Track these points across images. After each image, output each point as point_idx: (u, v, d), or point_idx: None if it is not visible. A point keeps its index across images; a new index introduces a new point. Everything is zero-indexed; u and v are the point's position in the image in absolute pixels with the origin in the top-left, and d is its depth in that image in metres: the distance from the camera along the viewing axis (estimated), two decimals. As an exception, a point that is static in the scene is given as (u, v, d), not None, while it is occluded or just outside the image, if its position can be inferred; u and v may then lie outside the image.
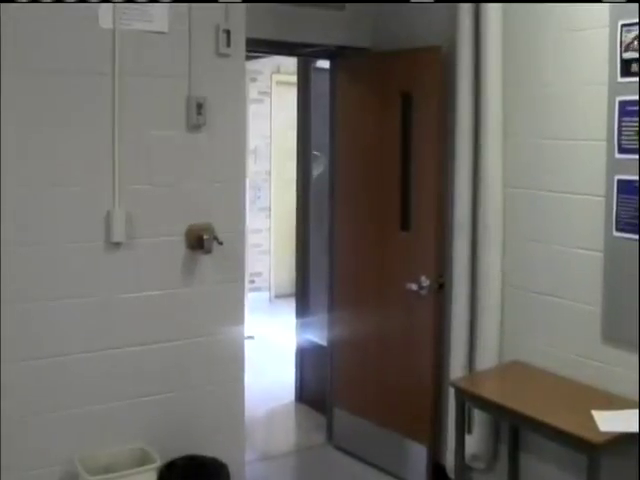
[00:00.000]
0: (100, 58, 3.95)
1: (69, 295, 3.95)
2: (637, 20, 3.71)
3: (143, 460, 4.02)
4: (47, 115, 3.84)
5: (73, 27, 3.86)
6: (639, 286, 3.72)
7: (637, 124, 3.74)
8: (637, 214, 3.77)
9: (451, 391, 4.46)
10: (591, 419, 3.59)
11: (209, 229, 4.27)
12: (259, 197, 9.74)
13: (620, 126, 3.82)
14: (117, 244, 4.05)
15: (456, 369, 4.70)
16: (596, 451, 3.44)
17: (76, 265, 3.96)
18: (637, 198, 3.76)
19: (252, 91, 9.92)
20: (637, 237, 3.78)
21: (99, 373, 4.06)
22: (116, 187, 4.02)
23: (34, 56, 3.77)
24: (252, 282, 9.87)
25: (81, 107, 3.92)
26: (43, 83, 3.81)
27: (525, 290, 4.43)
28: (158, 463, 3.97)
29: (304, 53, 5.78)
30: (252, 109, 9.81)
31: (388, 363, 5.24)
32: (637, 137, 3.74)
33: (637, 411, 3.67)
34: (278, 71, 10.07)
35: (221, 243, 4.27)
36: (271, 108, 10.17)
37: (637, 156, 3.75)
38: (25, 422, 3.87)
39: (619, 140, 3.83)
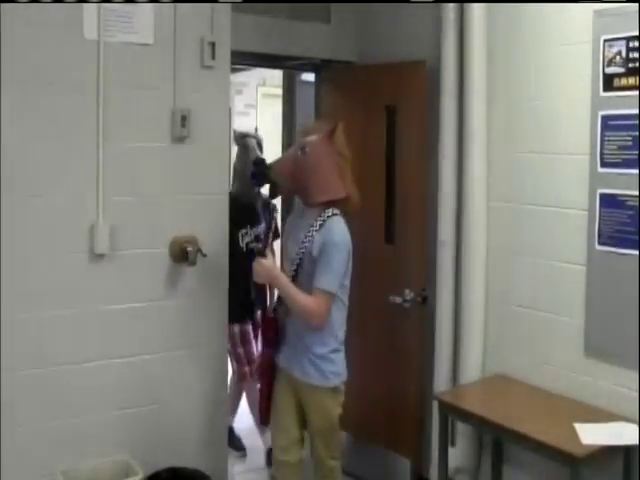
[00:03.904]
0: (85, 69, 3.94)
1: (52, 307, 3.93)
2: (619, 35, 3.73)
3: (126, 472, 4.00)
4: (31, 126, 3.83)
5: (57, 38, 3.86)
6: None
7: (619, 138, 3.77)
8: (620, 228, 3.79)
9: (435, 404, 4.46)
10: (573, 432, 3.60)
11: (193, 241, 4.27)
12: None
13: (602, 140, 3.84)
14: (101, 256, 4.04)
15: (440, 382, 4.70)
16: (578, 464, 3.45)
17: (59, 277, 3.95)
18: (619, 212, 3.78)
19: (238, 103, 9.95)
20: (619, 251, 3.80)
21: (82, 385, 4.04)
22: (100, 199, 4.01)
23: (17, 67, 3.76)
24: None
25: (65, 118, 3.92)
26: (27, 94, 3.80)
27: (508, 304, 4.44)
28: (141, 475, 3.95)
29: (289, 66, 5.80)
30: (238, 121, 9.82)
31: (372, 376, 5.22)
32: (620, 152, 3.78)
33: (619, 424, 3.69)
34: (264, 84, 10.09)
35: (205, 255, 4.27)
36: (257, 120, 10.19)
37: (619, 170, 3.78)
38: (7, 434, 3.85)
39: (602, 154, 3.85)
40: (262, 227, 5.58)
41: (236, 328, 5.48)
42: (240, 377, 5.64)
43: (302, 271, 3.80)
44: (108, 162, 4.03)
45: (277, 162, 4.04)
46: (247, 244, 5.45)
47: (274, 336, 3.97)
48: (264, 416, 4.10)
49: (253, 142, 5.75)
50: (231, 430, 5.77)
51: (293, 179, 3.86)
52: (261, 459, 5.69)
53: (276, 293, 3.95)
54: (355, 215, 3.98)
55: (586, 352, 4.01)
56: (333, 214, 3.84)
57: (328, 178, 3.83)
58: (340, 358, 3.89)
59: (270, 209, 5.76)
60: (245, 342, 5.58)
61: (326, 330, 3.80)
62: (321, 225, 3.78)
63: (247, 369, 5.60)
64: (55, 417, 3.98)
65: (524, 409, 4.00)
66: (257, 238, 5.49)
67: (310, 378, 3.81)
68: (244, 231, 5.48)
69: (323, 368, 3.80)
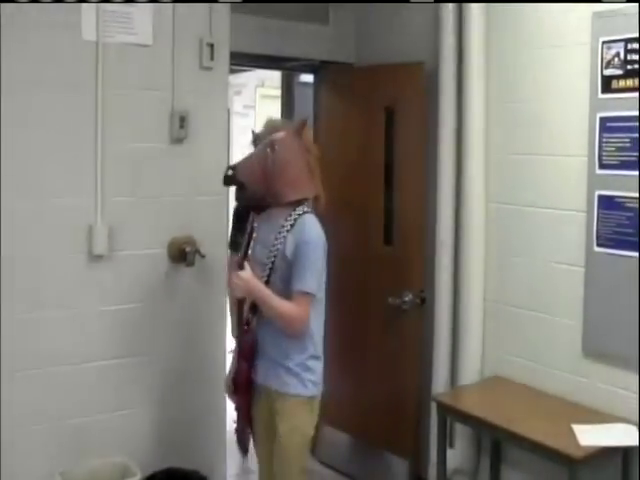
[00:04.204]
0: (83, 70, 3.94)
1: (50, 307, 3.93)
2: (618, 37, 3.74)
3: (124, 473, 4.00)
4: (30, 127, 3.83)
5: (55, 39, 3.86)
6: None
7: (618, 140, 3.77)
8: (618, 229, 3.79)
9: (433, 405, 4.46)
10: (571, 433, 3.60)
11: (191, 242, 4.27)
12: None
13: (601, 142, 3.84)
14: (99, 257, 4.04)
15: (438, 384, 4.70)
16: (576, 465, 3.45)
17: (58, 277, 3.95)
18: (617, 213, 3.78)
19: (237, 104, 9.93)
20: (618, 252, 3.80)
21: (79, 386, 4.04)
22: (98, 199, 4.02)
23: (17, 68, 3.76)
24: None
25: (64, 119, 3.92)
26: (25, 95, 3.80)
27: (507, 305, 4.44)
28: (139, 476, 3.96)
29: (288, 67, 5.79)
30: (237, 122, 9.81)
31: (370, 377, 5.23)
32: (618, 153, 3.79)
33: (617, 425, 3.69)
34: (263, 85, 10.07)
35: (203, 256, 4.27)
36: (256, 121, 10.17)
37: (618, 172, 3.78)
38: (6, 435, 3.84)
39: (600, 156, 3.85)
40: None
41: None
42: None
43: (275, 275, 3.54)
44: (107, 163, 4.03)
45: (243, 162, 3.69)
46: None
47: (251, 349, 3.65)
48: (244, 443, 3.77)
49: None
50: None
51: (263, 177, 3.54)
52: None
53: (247, 304, 3.62)
54: (324, 216, 3.72)
55: (584, 353, 4.01)
56: (304, 212, 3.57)
57: (299, 176, 3.58)
58: (319, 367, 3.62)
59: None
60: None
61: (304, 335, 3.54)
62: (292, 225, 3.52)
63: None
64: (53, 418, 3.98)
65: (522, 410, 4.00)
66: None
67: (286, 387, 3.53)
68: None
69: (302, 376, 3.53)
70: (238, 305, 3.63)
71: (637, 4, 3.61)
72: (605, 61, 3.80)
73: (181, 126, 4.20)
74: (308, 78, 6.07)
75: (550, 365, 4.19)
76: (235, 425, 3.72)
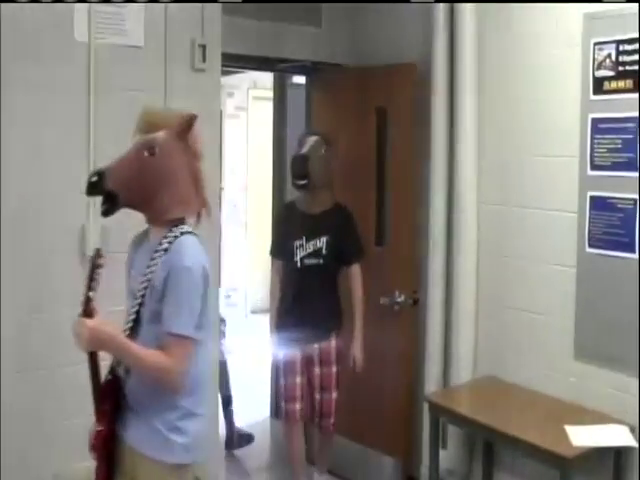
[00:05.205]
0: (75, 71, 3.93)
1: (42, 309, 3.92)
2: (610, 38, 3.75)
3: (116, 475, 3.99)
4: (22, 127, 3.82)
5: (47, 39, 3.85)
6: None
7: (609, 141, 3.78)
8: (609, 230, 3.80)
9: (425, 406, 4.46)
10: (564, 434, 3.61)
11: (184, 243, 4.24)
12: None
13: (592, 143, 3.86)
14: (92, 257, 4.03)
15: (430, 384, 4.71)
16: (569, 466, 3.46)
17: (50, 278, 3.93)
18: (609, 214, 3.80)
19: (229, 106, 9.90)
20: (609, 253, 3.81)
21: (73, 387, 4.02)
22: (91, 200, 4.00)
23: (8, 68, 3.75)
24: (228, 297, 9.81)
25: (56, 120, 3.91)
26: (17, 96, 3.79)
27: (499, 306, 4.45)
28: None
29: (280, 69, 5.79)
30: (229, 124, 9.80)
31: (363, 378, 5.22)
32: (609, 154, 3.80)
33: (609, 426, 3.70)
34: (255, 86, 10.05)
35: (196, 257, 4.24)
36: (247, 123, 10.16)
37: (609, 173, 3.79)
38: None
39: (591, 157, 3.86)
40: (323, 240, 4.77)
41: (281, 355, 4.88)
42: (284, 415, 4.96)
43: (145, 310, 2.83)
44: (99, 164, 4.00)
45: (114, 166, 2.86)
46: (302, 259, 4.76)
47: (110, 408, 2.93)
48: None
49: (311, 140, 4.87)
50: None
51: (138, 188, 2.81)
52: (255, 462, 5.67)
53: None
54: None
55: (576, 354, 4.02)
56: (183, 232, 2.83)
57: (185, 189, 2.85)
58: (194, 427, 2.82)
59: (336, 221, 4.86)
60: (289, 372, 4.84)
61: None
62: (167, 249, 2.79)
63: (296, 406, 4.86)
64: (46, 419, 3.96)
65: (514, 411, 4.01)
66: (316, 253, 4.78)
67: (149, 449, 2.79)
68: (299, 243, 4.77)
69: (168, 437, 2.77)
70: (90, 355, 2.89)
71: (629, 5, 3.62)
72: (597, 62, 3.82)
73: (173, 127, 4.19)
74: (300, 79, 6.08)
75: (542, 365, 4.20)
76: None
